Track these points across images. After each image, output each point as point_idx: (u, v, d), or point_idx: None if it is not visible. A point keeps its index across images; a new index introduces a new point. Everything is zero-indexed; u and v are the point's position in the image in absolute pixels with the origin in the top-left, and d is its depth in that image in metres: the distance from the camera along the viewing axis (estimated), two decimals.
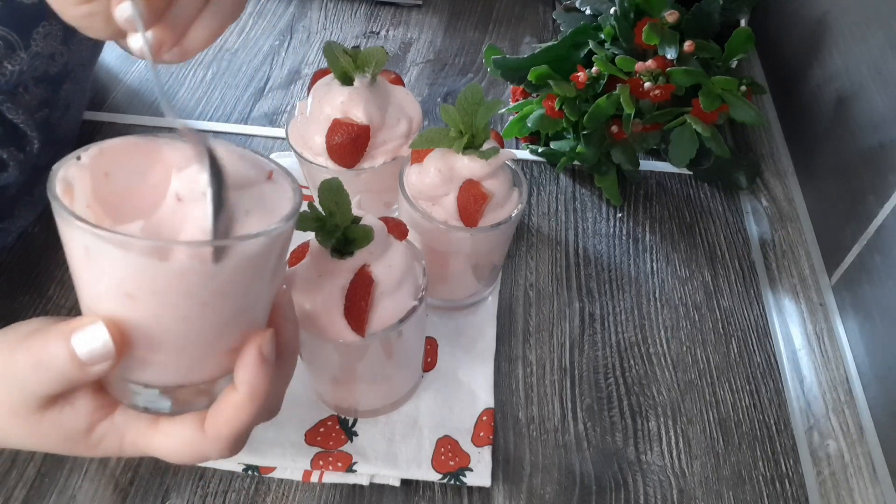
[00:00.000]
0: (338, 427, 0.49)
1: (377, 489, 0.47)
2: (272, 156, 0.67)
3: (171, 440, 0.30)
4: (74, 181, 0.27)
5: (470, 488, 0.47)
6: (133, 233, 0.26)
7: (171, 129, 0.29)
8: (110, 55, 0.79)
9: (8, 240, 0.53)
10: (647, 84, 0.59)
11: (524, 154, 0.69)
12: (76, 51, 0.49)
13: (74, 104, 0.54)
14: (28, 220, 0.55)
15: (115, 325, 0.26)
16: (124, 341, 0.27)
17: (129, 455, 0.31)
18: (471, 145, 0.46)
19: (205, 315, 0.27)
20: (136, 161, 0.29)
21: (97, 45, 0.52)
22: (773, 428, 0.51)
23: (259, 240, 0.26)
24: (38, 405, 0.28)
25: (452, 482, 0.47)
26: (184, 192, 0.28)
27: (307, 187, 0.63)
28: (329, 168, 0.51)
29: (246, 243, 0.26)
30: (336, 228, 0.38)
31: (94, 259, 0.26)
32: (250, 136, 0.70)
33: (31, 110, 0.48)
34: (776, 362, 0.55)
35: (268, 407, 0.31)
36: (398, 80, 0.56)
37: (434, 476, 0.47)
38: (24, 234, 0.55)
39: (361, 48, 0.50)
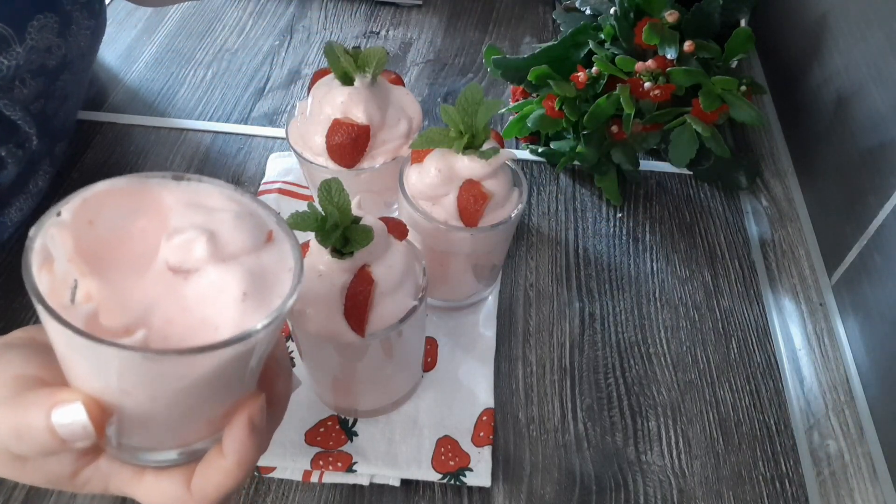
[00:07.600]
0: (338, 427, 0.49)
1: (377, 489, 0.47)
2: (272, 156, 0.67)
3: (156, 493, 0.30)
4: (54, 245, 0.25)
5: (470, 488, 0.47)
6: (124, 330, 0.24)
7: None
8: (110, 55, 0.79)
9: (5, 234, 0.53)
10: (647, 84, 0.59)
11: (524, 154, 0.69)
12: (74, 42, 0.48)
13: (72, 96, 0.53)
14: (25, 212, 0.54)
15: (97, 405, 0.26)
16: (105, 420, 0.26)
17: (116, 495, 0.31)
18: (471, 145, 0.46)
19: (195, 398, 0.26)
20: (122, 206, 0.27)
21: (95, 35, 0.51)
22: (773, 428, 0.51)
23: (255, 336, 0.25)
24: (20, 457, 0.28)
25: (452, 482, 0.47)
26: (175, 261, 0.26)
27: (307, 187, 0.63)
28: (329, 168, 0.51)
29: (239, 343, 0.24)
30: (336, 228, 0.38)
31: (76, 350, 0.24)
32: (250, 135, 0.70)
33: (27, 102, 0.47)
34: (776, 362, 0.55)
35: (257, 460, 0.31)
36: (398, 80, 0.56)
37: (434, 476, 0.47)
38: (22, 231, 0.54)
39: (362, 48, 0.50)
